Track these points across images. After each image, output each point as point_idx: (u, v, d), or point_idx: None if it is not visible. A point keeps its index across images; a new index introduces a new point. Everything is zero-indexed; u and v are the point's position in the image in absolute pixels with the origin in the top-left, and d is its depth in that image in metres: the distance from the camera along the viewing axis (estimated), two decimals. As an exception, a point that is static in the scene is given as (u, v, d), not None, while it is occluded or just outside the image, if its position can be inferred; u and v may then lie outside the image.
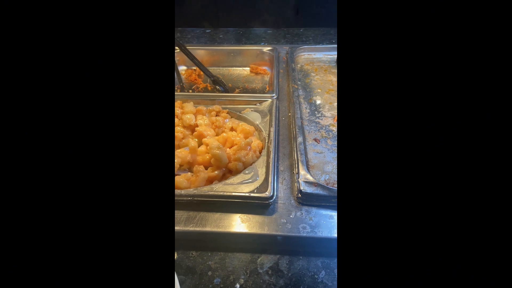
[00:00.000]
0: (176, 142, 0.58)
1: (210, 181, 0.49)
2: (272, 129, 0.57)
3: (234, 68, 0.92)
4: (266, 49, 0.89)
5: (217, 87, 0.82)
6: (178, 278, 0.35)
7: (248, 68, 0.91)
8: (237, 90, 0.83)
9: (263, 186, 0.45)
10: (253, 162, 0.51)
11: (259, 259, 0.41)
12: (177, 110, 0.62)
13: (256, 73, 0.90)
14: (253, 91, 0.82)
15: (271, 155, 0.51)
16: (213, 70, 0.86)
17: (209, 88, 0.83)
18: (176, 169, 0.49)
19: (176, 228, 0.42)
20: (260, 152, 0.54)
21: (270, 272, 0.39)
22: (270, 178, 0.46)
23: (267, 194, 0.44)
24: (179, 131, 0.59)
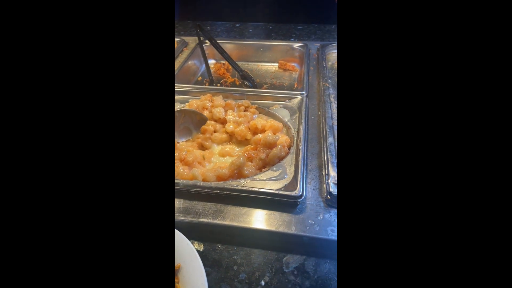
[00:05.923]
0: (208, 135, 0.59)
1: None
2: (302, 127, 0.56)
3: (262, 64, 0.91)
4: (297, 45, 0.87)
5: (245, 82, 0.81)
6: (204, 269, 0.36)
7: (277, 64, 0.90)
8: (264, 86, 0.82)
9: (292, 185, 0.44)
10: (282, 157, 0.50)
11: (284, 258, 0.40)
12: (207, 103, 0.62)
13: (285, 70, 0.88)
14: (281, 87, 0.81)
15: (300, 154, 0.50)
16: (241, 64, 0.86)
17: (237, 83, 0.83)
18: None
19: (203, 220, 0.42)
20: (289, 149, 0.53)
21: (295, 273, 0.39)
22: (299, 177, 0.45)
23: (296, 193, 0.43)
24: (210, 124, 0.59)
